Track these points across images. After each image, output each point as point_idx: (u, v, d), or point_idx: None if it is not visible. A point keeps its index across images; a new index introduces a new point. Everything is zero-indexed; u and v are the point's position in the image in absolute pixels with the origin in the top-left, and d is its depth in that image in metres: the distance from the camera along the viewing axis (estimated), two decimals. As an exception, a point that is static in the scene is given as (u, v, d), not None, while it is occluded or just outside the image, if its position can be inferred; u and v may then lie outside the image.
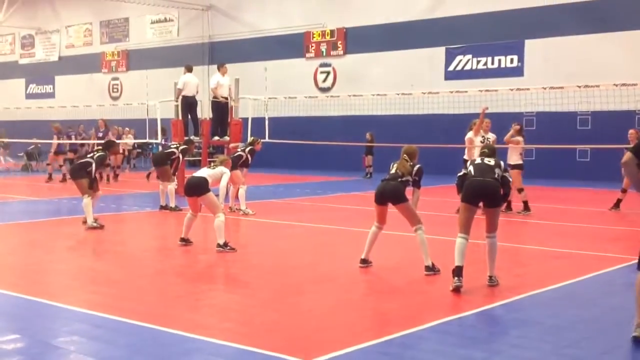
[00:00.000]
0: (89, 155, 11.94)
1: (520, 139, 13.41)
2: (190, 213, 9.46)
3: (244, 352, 5.03)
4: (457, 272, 6.84)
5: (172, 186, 13.67)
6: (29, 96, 38.36)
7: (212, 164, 9.82)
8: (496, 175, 7.08)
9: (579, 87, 15.94)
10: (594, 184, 19.23)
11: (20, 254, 9.23)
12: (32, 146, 25.86)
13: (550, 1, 21.84)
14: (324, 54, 27.10)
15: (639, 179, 5.41)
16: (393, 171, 7.81)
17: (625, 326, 5.80)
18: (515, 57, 22.64)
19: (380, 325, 5.90)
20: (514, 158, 13.24)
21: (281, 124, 21.96)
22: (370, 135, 22.34)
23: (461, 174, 7.35)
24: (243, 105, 18.15)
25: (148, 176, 20.97)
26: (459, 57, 23.82)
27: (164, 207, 13.62)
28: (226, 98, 16.82)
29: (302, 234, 11.10)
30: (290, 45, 27.67)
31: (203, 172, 9.46)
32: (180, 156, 14.17)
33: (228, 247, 9.01)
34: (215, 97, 16.80)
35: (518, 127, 13.54)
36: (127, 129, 26.40)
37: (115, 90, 34.54)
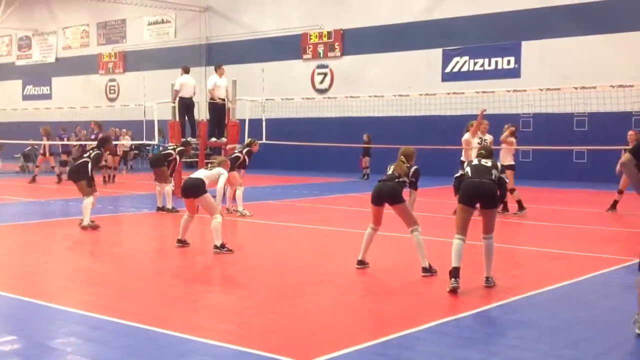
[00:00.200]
0: (85, 155, 11.93)
1: (513, 140, 13.50)
2: (187, 214, 9.46)
3: (241, 353, 5.03)
4: (454, 273, 6.84)
5: (169, 187, 13.67)
6: (26, 97, 38.32)
7: (209, 165, 9.81)
8: (493, 177, 7.09)
9: (576, 88, 15.98)
10: (590, 185, 19.26)
11: (16, 255, 9.21)
12: (29, 147, 25.83)
13: (546, 3, 21.88)
14: (321, 55, 27.12)
15: (638, 179, 5.41)
16: (390, 172, 7.82)
17: (623, 327, 5.81)
18: (512, 59, 22.67)
19: (378, 326, 5.90)
20: (507, 159, 13.27)
21: (278, 126, 21.96)
22: (368, 136, 22.36)
23: (458, 175, 7.36)
24: (240, 107, 18.16)
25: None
26: (456, 59, 23.85)
27: (161, 209, 13.61)
28: (223, 99, 16.82)
29: (299, 235, 11.10)
30: (288, 47, 27.68)
31: (200, 174, 9.45)
32: (177, 157, 14.17)
33: (225, 249, 9.00)
34: (212, 98, 16.79)
35: (514, 128, 13.60)
36: (124, 130, 26.41)
37: (112, 91, 34.52)
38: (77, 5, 34.74)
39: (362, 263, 8.01)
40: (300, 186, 20.08)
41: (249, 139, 14.45)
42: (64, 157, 22.85)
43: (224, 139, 16.88)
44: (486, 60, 23.21)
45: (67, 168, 22.43)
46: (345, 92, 23.34)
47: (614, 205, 13.58)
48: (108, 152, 15.30)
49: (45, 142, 21.31)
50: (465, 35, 23.45)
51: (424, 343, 5.33)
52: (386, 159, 8.74)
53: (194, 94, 17.58)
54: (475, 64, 23.45)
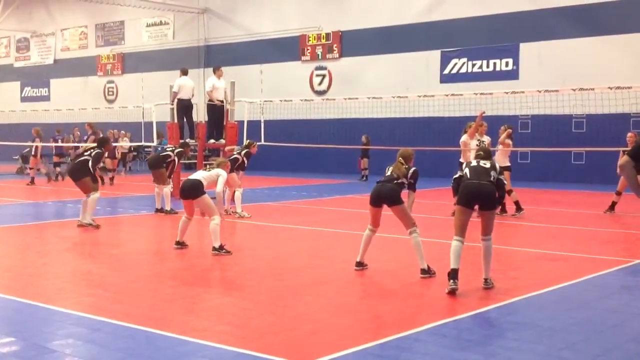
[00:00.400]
0: (85, 154, 11.98)
1: (510, 142, 13.56)
2: (185, 216, 9.45)
3: (240, 354, 5.03)
4: (453, 274, 6.84)
5: (167, 189, 13.67)
6: (24, 99, 38.28)
7: (208, 167, 9.81)
8: (491, 178, 7.10)
9: (574, 90, 15.98)
10: (589, 187, 19.28)
11: (15, 257, 9.20)
12: (27, 149, 25.82)
13: (544, 5, 21.91)
14: (320, 57, 27.13)
15: (637, 182, 5.42)
16: (389, 173, 7.82)
17: (621, 328, 5.82)
18: (511, 61, 22.68)
19: (376, 328, 5.89)
20: (504, 160, 13.28)
21: (277, 127, 21.96)
22: (366, 138, 22.36)
23: (457, 176, 7.37)
24: (239, 108, 18.15)
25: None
26: (454, 60, 23.86)
27: (160, 210, 13.61)
28: (222, 101, 16.83)
29: (297, 236, 11.10)
30: (286, 48, 27.69)
31: (198, 175, 9.45)
32: (176, 159, 14.17)
33: (224, 250, 9.00)
34: (210, 100, 16.80)
35: (511, 130, 13.65)
36: (122, 132, 26.39)
37: (110, 93, 34.50)
38: (75, 6, 34.72)
39: (360, 264, 8.01)
40: (298, 188, 20.08)
41: (248, 141, 14.45)
42: (55, 159, 22.88)
43: (222, 141, 16.88)
44: (484, 61, 23.23)
45: (58, 169, 22.59)
46: (344, 94, 23.32)
47: (612, 207, 13.59)
48: (106, 155, 15.34)
49: (37, 143, 21.30)
50: (463, 37, 23.47)
51: (422, 345, 5.33)
52: (385, 161, 8.74)
53: (193, 95, 17.58)
54: (473, 65, 23.47)
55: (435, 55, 24.18)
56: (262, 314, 6.16)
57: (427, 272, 7.59)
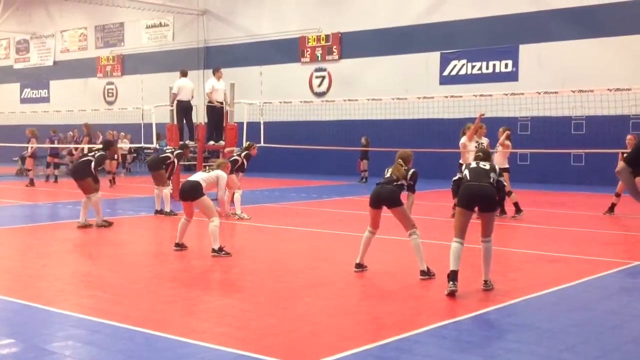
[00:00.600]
0: (89, 154, 12.07)
1: (509, 143, 13.58)
2: (185, 218, 9.45)
3: (239, 356, 5.03)
4: (452, 276, 6.85)
5: (167, 191, 13.67)
6: (24, 101, 38.28)
7: (207, 168, 9.80)
8: (491, 180, 7.10)
9: (573, 91, 16.00)
10: (588, 188, 19.29)
11: (14, 259, 9.20)
12: (25, 151, 25.82)
13: (544, 6, 21.93)
14: (319, 58, 27.14)
15: (634, 186, 5.44)
16: (388, 175, 7.82)
17: (621, 330, 5.82)
18: (510, 62, 22.70)
19: (376, 329, 5.89)
20: (503, 162, 13.29)
21: (276, 129, 21.97)
22: (366, 139, 22.36)
23: (456, 178, 7.37)
24: (238, 110, 18.17)
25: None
26: (453, 62, 23.87)
27: (159, 212, 13.61)
28: (221, 103, 16.84)
29: (297, 238, 11.10)
30: (286, 50, 27.70)
31: (198, 176, 9.44)
32: (175, 161, 14.16)
33: (223, 252, 9.00)
34: (210, 101, 16.80)
35: (509, 131, 13.69)
36: (122, 133, 26.39)
37: (110, 94, 34.51)
38: (75, 8, 34.72)
39: (360, 266, 8.01)
40: (298, 189, 20.09)
41: (248, 143, 14.45)
42: (49, 160, 22.90)
43: (222, 142, 16.88)
44: (484, 63, 23.24)
45: (56, 171, 22.61)
46: (344, 95, 23.33)
47: (611, 208, 13.60)
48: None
49: (32, 144, 21.31)
50: (463, 39, 23.48)
51: (422, 346, 5.33)
52: (384, 162, 8.74)
53: (192, 97, 17.59)
54: (473, 67, 23.48)
55: (434, 56, 24.20)
56: (262, 315, 6.16)
57: (427, 274, 7.60)
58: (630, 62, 20.18)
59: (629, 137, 14.10)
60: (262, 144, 18.05)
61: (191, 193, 9.14)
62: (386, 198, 7.64)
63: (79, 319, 6.02)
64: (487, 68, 23.18)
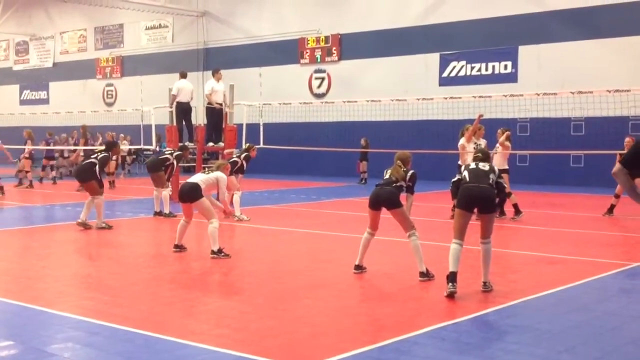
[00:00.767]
0: (92, 157, 12.11)
1: (509, 144, 13.59)
2: (184, 220, 9.45)
3: (239, 358, 5.03)
4: (452, 277, 6.85)
5: (166, 192, 13.67)
6: (23, 102, 38.28)
7: (206, 169, 9.79)
8: (491, 181, 7.10)
9: (573, 93, 15.99)
10: (587, 190, 19.28)
11: (13, 260, 9.20)
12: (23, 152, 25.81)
13: (543, 8, 21.94)
14: (319, 60, 27.13)
15: (632, 188, 5.46)
16: (387, 176, 7.83)
17: (620, 331, 5.83)
18: (509, 63, 22.69)
19: (375, 331, 5.89)
20: (503, 163, 13.29)
21: (276, 130, 21.97)
22: (365, 141, 22.37)
23: (455, 179, 7.37)
24: (238, 111, 18.16)
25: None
26: (453, 63, 23.87)
27: (159, 214, 13.60)
28: (221, 104, 16.83)
29: (297, 239, 11.09)
30: (285, 51, 27.70)
31: (197, 178, 9.43)
32: (175, 162, 14.16)
33: (222, 254, 8.99)
34: (209, 103, 16.79)
35: (509, 132, 13.69)
36: (121, 135, 26.39)
37: (109, 96, 34.51)
38: (74, 10, 34.73)
39: (359, 268, 8.02)
40: (297, 191, 20.08)
41: (248, 144, 14.46)
42: (45, 162, 22.91)
43: (221, 144, 16.88)
44: (483, 64, 23.23)
45: (42, 173, 22.62)
46: (343, 97, 23.33)
47: (610, 210, 13.60)
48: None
49: (28, 146, 21.32)
50: (462, 40, 23.48)
51: (421, 348, 5.33)
52: (384, 164, 8.75)
53: (192, 98, 17.59)
54: (472, 68, 23.48)
55: (434, 58, 24.20)
56: (261, 317, 6.16)
57: (426, 275, 7.60)
58: (630, 64, 20.18)
59: (627, 139, 14.10)
60: (261, 145, 18.05)
61: (190, 195, 9.14)
62: (385, 199, 7.65)
63: (78, 320, 6.02)
64: (487, 69, 23.18)
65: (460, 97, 18.83)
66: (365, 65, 25.85)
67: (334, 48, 26.73)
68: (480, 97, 17.56)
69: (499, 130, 13.76)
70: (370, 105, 21.95)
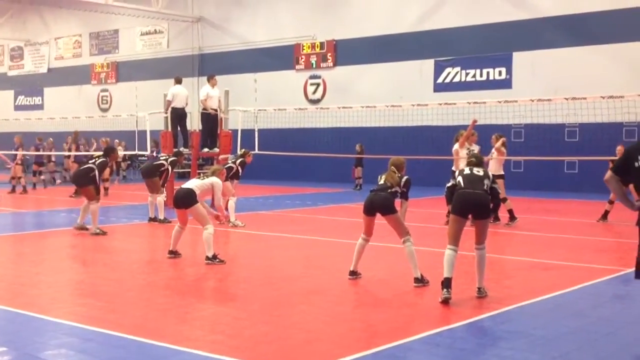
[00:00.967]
0: (90, 162, 12.11)
1: (504, 150, 13.64)
2: (178, 225, 9.43)
3: (233, 364, 5.01)
4: (446, 283, 6.85)
5: (161, 198, 13.65)
6: (18, 108, 38.22)
7: (201, 175, 9.76)
8: (485, 187, 7.10)
9: (567, 99, 16.06)
10: (581, 196, 19.33)
11: (6, 266, 9.16)
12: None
13: (537, 14, 22.03)
14: (314, 65, 27.18)
15: (624, 194, 5.51)
16: (382, 182, 7.83)
17: (614, 337, 5.83)
18: (504, 70, 22.77)
19: (370, 337, 5.89)
20: (498, 169, 13.32)
21: (271, 136, 21.99)
22: (360, 146, 22.38)
23: (450, 185, 7.37)
24: (233, 117, 18.16)
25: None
26: (447, 70, 23.94)
27: (153, 219, 13.58)
28: (216, 110, 16.83)
29: (291, 245, 11.08)
30: (280, 57, 27.74)
31: (191, 184, 9.41)
32: (170, 168, 14.15)
33: (217, 260, 8.97)
34: (204, 108, 16.80)
35: (505, 138, 13.73)
36: (116, 140, 26.35)
37: (104, 102, 34.47)
38: (69, 15, 34.73)
39: (354, 274, 8.01)
40: (292, 196, 20.08)
41: (243, 150, 14.46)
42: (34, 168, 22.87)
43: (216, 150, 16.87)
44: (478, 71, 23.31)
45: (34, 179, 22.57)
46: (338, 103, 23.36)
47: (605, 216, 13.64)
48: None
49: (19, 152, 21.28)
50: (457, 46, 23.56)
51: (416, 354, 5.32)
52: (379, 170, 8.74)
53: (187, 104, 17.59)
54: (467, 74, 23.55)
55: (429, 64, 24.26)
56: (256, 323, 6.15)
57: (421, 281, 7.60)
58: (623, 70, 20.27)
59: (618, 148, 14.12)
60: (256, 151, 18.05)
61: (185, 200, 9.12)
62: (380, 205, 7.65)
63: (72, 327, 6.00)
64: (481, 75, 23.25)
65: (454, 103, 18.89)
66: (360, 71, 25.90)
67: (329, 54, 26.78)
68: (474, 103, 17.62)
69: (494, 136, 13.80)
70: (365, 111, 22.02)
